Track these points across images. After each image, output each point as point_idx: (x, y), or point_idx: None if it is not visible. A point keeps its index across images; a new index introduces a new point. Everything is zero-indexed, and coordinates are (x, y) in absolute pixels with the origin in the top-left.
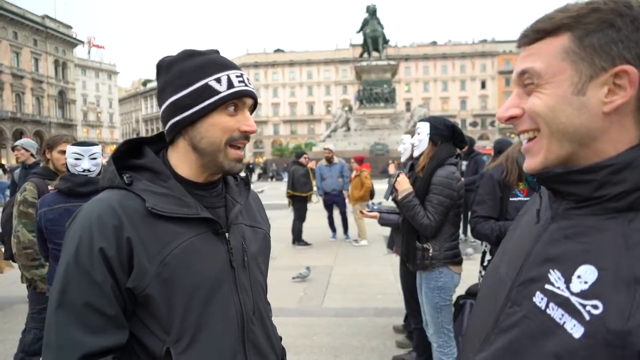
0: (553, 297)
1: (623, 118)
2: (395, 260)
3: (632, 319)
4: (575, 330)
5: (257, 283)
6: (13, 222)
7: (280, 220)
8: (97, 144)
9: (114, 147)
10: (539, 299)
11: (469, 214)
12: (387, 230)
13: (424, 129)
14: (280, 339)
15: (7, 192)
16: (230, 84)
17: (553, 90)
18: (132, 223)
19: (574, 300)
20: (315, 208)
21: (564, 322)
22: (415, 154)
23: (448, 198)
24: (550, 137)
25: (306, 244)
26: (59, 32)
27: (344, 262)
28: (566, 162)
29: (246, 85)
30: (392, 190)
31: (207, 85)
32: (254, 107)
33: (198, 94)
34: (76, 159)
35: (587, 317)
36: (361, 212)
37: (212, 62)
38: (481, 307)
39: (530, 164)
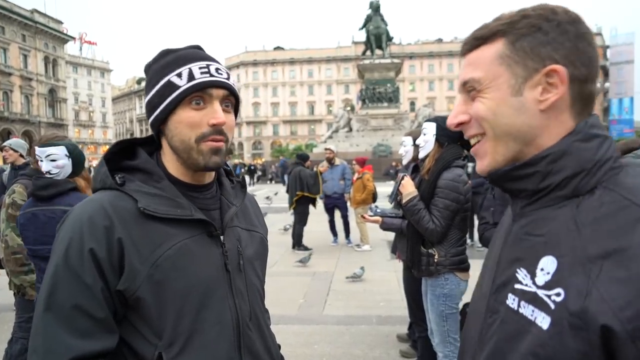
0: (522, 295)
1: (560, 114)
2: (399, 266)
3: (589, 296)
4: (544, 322)
5: (254, 288)
6: (1, 226)
7: (281, 224)
8: (59, 145)
9: (107, 148)
10: (511, 301)
11: (475, 217)
12: (391, 235)
13: (430, 129)
14: (279, 347)
15: None
16: (190, 77)
17: (493, 94)
18: (124, 224)
19: (541, 293)
20: (316, 212)
21: (535, 318)
22: (421, 156)
23: (454, 202)
24: (495, 139)
25: (306, 248)
26: (49, 27)
27: (345, 268)
28: (514, 162)
29: (211, 75)
30: (397, 194)
31: (168, 82)
32: (236, 100)
33: (162, 92)
34: (39, 161)
35: (552, 307)
36: (362, 216)
37: (179, 58)
38: (469, 323)
39: (479, 166)
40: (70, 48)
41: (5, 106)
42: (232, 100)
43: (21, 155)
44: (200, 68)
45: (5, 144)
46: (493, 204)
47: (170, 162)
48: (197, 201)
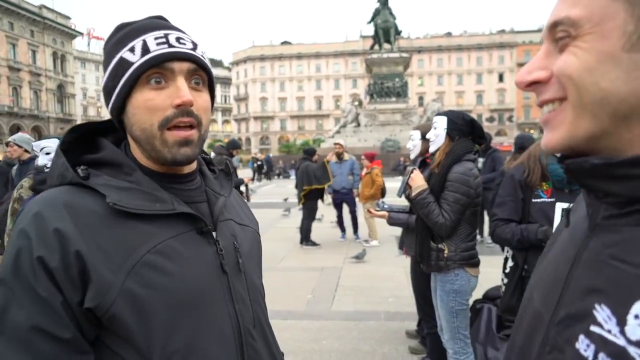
0: (603, 345)
1: None
2: (407, 261)
3: None
4: None
5: (256, 289)
6: (7, 221)
7: (285, 220)
8: (53, 137)
9: None
10: (583, 346)
11: (485, 213)
12: (399, 230)
13: (441, 123)
14: (282, 354)
15: None
16: (145, 50)
17: (595, 44)
18: (85, 229)
19: (633, 351)
20: (324, 207)
21: None
22: (431, 150)
23: (465, 195)
24: (581, 108)
25: (314, 244)
26: (57, 23)
27: (353, 264)
28: (595, 143)
29: (170, 46)
30: (406, 187)
31: (121, 59)
32: (209, 76)
33: (115, 72)
34: (37, 156)
35: None
36: (369, 211)
37: (133, 30)
38: (516, 344)
39: (549, 139)
40: (79, 43)
41: (14, 102)
42: (202, 75)
43: (26, 151)
44: (156, 38)
45: (9, 139)
46: (504, 199)
47: (140, 153)
48: (181, 193)
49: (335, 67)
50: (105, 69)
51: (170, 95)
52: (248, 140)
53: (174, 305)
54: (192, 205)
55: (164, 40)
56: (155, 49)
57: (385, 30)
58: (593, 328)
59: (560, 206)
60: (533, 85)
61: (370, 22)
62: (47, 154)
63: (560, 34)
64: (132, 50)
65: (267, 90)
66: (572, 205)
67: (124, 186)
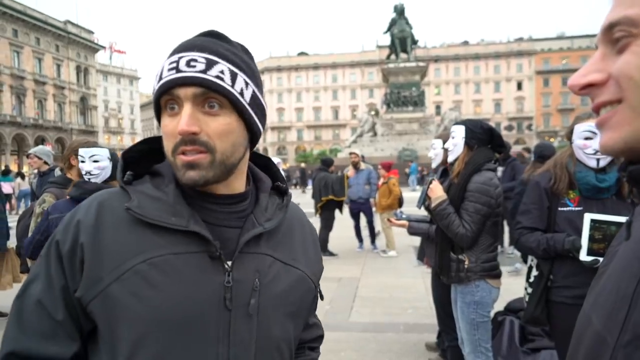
0: None
1: None
2: (426, 272)
3: None
4: None
5: (272, 342)
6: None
7: None
8: (103, 147)
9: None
10: None
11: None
12: (416, 241)
13: (459, 132)
14: None
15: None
16: (160, 77)
17: None
18: (102, 226)
19: None
20: (342, 217)
21: None
22: (450, 159)
23: (485, 206)
24: None
25: (332, 254)
26: (81, 37)
27: (371, 274)
28: None
29: (178, 71)
30: (425, 198)
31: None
32: (231, 100)
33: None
34: (81, 161)
35: None
36: (389, 220)
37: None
38: (576, 350)
39: (607, 139)
40: (101, 57)
41: (40, 114)
42: (218, 98)
43: (45, 163)
44: (170, 63)
45: (30, 151)
46: (529, 207)
47: None
48: (210, 214)
49: (351, 77)
50: None
51: (179, 122)
52: (265, 150)
53: (148, 322)
54: (216, 228)
55: (175, 65)
56: (166, 75)
57: (401, 40)
58: None
59: (588, 217)
60: (588, 88)
61: (386, 32)
62: (95, 161)
63: (619, 33)
64: (159, 76)
65: (283, 101)
66: (632, 216)
67: (154, 195)
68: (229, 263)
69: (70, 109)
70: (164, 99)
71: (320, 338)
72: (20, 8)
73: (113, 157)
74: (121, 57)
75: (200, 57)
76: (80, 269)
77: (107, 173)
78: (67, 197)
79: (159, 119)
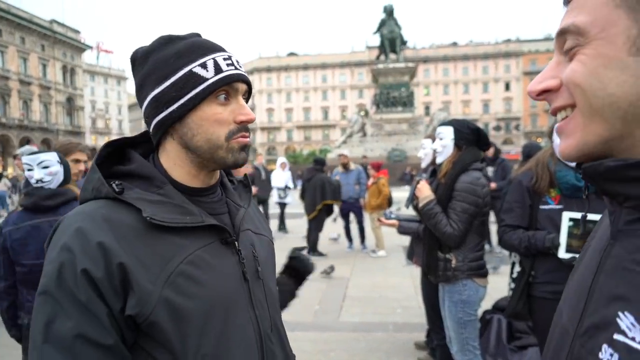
0: (627, 353)
1: None
2: (415, 271)
3: None
4: None
5: (273, 295)
6: None
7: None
8: (48, 152)
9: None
10: (607, 356)
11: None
12: (406, 240)
13: (448, 134)
14: (294, 357)
15: (9, 202)
16: (218, 69)
17: (601, 50)
18: (125, 242)
19: None
20: (331, 217)
21: None
22: (438, 161)
23: (472, 205)
24: (591, 113)
25: (321, 254)
26: (67, 37)
27: (361, 274)
28: (610, 148)
29: (236, 68)
30: (413, 198)
31: (191, 73)
32: (248, 95)
33: (182, 84)
34: (28, 169)
35: None
36: (379, 219)
37: (195, 46)
38: (549, 347)
39: (562, 147)
40: (88, 57)
41: (25, 115)
42: (246, 95)
43: None
44: (224, 59)
45: (17, 152)
46: (512, 205)
47: (175, 164)
48: (205, 206)
49: (341, 77)
50: (160, 78)
51: (233, 110)
52: (254, 150)
53: (205, 312)
54: (215, 217)
55: (230, 62)
56: (227, 69)
57: (391, 41)
58: (617, 336)
59: (567, 215)
60: (544, 93)
61: (376, 33)
62: (45, 167)
63: (570, 43)
64: (203, 66)
65: (273, 102)
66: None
67: (155, 199)
68: (236, 243)
69: (57, 110)
70: (220, 90)
71: None
72: (4, 7)
73: (63, 160)
74: (108, 57)
75: (237, 59)
76: (122, 289)
77: (60, 177)
78: (20, 207)
79: (193, 104)
